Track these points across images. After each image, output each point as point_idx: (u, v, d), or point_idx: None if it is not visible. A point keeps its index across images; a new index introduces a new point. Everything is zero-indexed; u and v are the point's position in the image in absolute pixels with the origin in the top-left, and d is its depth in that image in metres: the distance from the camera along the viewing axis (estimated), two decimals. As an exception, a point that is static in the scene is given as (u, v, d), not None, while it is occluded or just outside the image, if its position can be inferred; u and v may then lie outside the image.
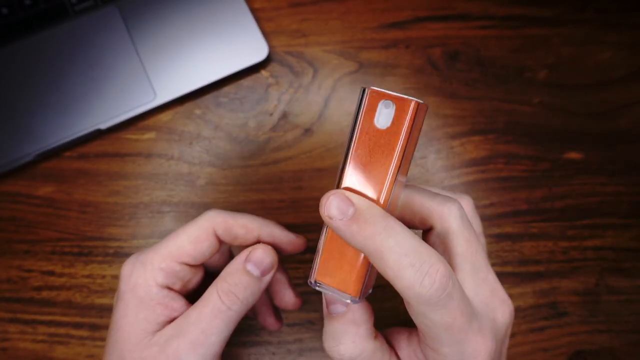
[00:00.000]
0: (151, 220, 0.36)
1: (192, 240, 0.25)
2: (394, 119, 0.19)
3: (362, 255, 0.20)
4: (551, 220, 0.36)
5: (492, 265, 0.35)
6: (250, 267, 0.24)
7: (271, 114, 0.39)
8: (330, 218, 0.19)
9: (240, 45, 0.39)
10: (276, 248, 0.26)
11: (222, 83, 0.39)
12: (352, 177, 0.20)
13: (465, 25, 0.41)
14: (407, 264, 0.18)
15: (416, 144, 0.21)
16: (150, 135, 0.38)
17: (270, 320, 0.30)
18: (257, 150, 0.38)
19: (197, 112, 0.39)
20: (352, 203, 0.19)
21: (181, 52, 0.39)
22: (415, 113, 0.19)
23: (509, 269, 0.35)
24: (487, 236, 0.36)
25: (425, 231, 0.23)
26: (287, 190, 0.37)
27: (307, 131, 0.38)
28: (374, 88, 0.19)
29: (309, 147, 0.38)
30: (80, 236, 0.36)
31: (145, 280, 0.24)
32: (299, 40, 0.40)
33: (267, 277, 0.25)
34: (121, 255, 0.35)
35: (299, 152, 0.38)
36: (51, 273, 0.35)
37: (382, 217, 0.19)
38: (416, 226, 0.23)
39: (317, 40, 0.40)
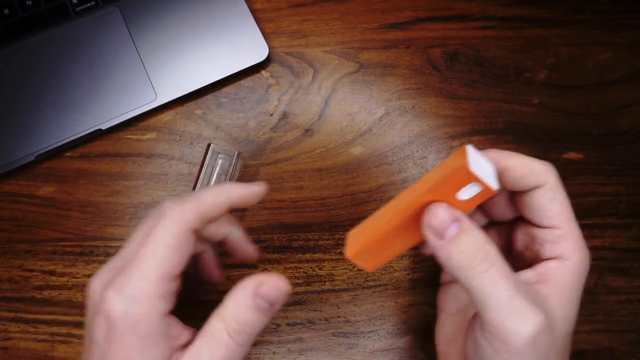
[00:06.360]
0: (152, 220, 0.36)
1: (174, 249, 0.22)
2: (475, 197, 0.21)
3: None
4: (550, 220, 0.37)
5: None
6: (260, 302, 0.22)
7: (271, 114, 0.39)
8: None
9: (241, 46, 0.39)
10: (239, 206, 0.25)
11: (222, 83, 0.39)
12: None
13: (465, 25, 0.41)
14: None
15: None
16: (151, 135, 0.38)
17: (217, 272, 0.28)
18: (257, 150, 0.38)
19: (198, 112, 0.39)
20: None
21: (182, 53, 0.39)
22: None
23: (508, 268, 0.35)
24: (487, 236, 0.36)
25: (519, 193, 0.24)
26: (287, 190, 0.37)
27: (307, 131, 0.38)
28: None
29: (309, 147, 0.38)
30: (81, 236, 0.36)
31: (146, 315, 0.21)
32: (299, 40, 0.40)
33: (277, 307, 0.23)
34: (122, 255, 0.35)
35: (299, 152, 0.38)
36: (52, 273, 0.35)
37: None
38: (511, 186, 0.24)
39: (317, 40, 0.40)
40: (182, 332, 0.22)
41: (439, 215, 0.21)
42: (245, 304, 0.22)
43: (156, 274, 0.21)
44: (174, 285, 0.22)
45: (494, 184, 0.21)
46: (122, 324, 0.21)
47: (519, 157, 0.23)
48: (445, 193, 0.21)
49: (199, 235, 0.24)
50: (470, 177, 0.20)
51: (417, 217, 0.22)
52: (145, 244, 0.22)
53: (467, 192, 0.21)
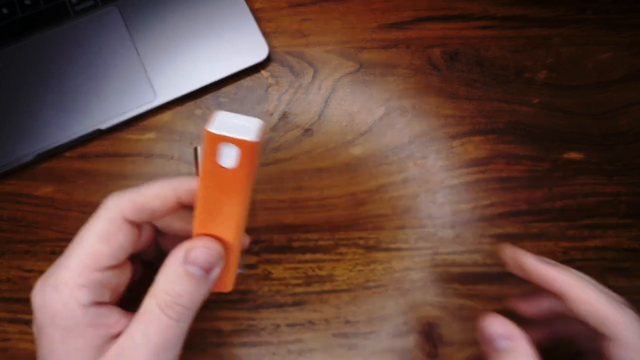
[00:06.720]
0: (151, 220, 0.36)
1: (102, 238, 0.21)
2: (239, 159, 0.19)
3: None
4: (551, 221, 0.37)
5: (492, 265, 0.35)
6: (191, 268, 0.20)
7: (271, 114, 0.39)
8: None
9: (241, 46, 0.39)
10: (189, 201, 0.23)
11: (222, 83, 0.39)
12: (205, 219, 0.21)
13: (465, 25, 0.41)
14: None
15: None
16: (151, 135, 0.38)
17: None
18: (257, 150, 0.38)
19: (198, 112, 0.39)
20: None
21: (181, 52, 0.39)
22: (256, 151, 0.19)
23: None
24: (488, 236, 0.36)
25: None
26: (287, 190, 0.37)
27: (307, 131, 0.38)
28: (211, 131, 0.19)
29: (309, 147, 0.38)
30: (80, 236, 0.36)
31: (64, 305, 0.20)
32: (299, 40, 0.40)
33: (215, 273, 0.21)
34: (121, 256, 0.35)
35: (299, 152, 0.38)
36: (51, 273, 0.35)
37: None
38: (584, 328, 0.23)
39: (318, 40, 0.40)
40: (119, 320, 0.21)
41: (493, 327, 0.23)
42: (175, 273, 0.20)
43: (80, 262, 0.20)
44: (106, 276, 0.21)
45: (248, 136, 0.18)
46: (43, 316, 0.20)
47: (594, 294, 0.23)
48: (211, 169, 0.19)
49: (155, 227, 0.23)
50: (217, 138, 0.18)
51: (211, 205, 0.20)
52: (78, 234, 0.21)
53: (229, 157, 0.19)
